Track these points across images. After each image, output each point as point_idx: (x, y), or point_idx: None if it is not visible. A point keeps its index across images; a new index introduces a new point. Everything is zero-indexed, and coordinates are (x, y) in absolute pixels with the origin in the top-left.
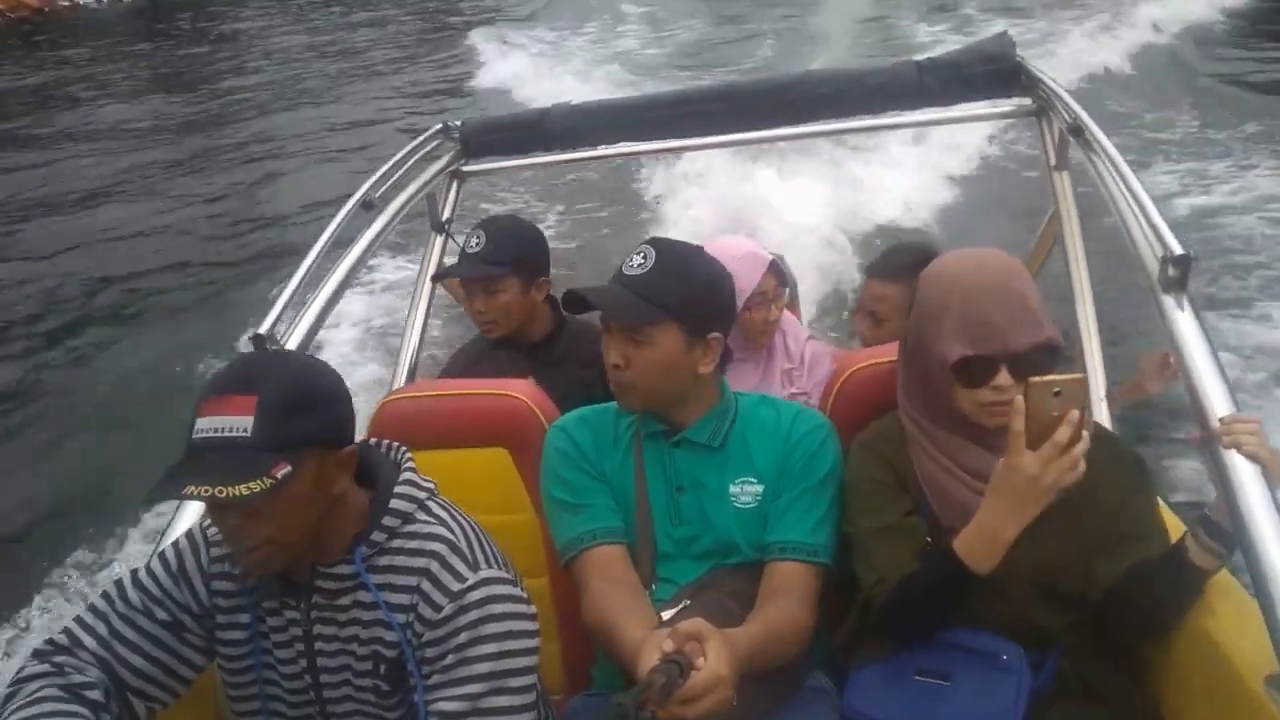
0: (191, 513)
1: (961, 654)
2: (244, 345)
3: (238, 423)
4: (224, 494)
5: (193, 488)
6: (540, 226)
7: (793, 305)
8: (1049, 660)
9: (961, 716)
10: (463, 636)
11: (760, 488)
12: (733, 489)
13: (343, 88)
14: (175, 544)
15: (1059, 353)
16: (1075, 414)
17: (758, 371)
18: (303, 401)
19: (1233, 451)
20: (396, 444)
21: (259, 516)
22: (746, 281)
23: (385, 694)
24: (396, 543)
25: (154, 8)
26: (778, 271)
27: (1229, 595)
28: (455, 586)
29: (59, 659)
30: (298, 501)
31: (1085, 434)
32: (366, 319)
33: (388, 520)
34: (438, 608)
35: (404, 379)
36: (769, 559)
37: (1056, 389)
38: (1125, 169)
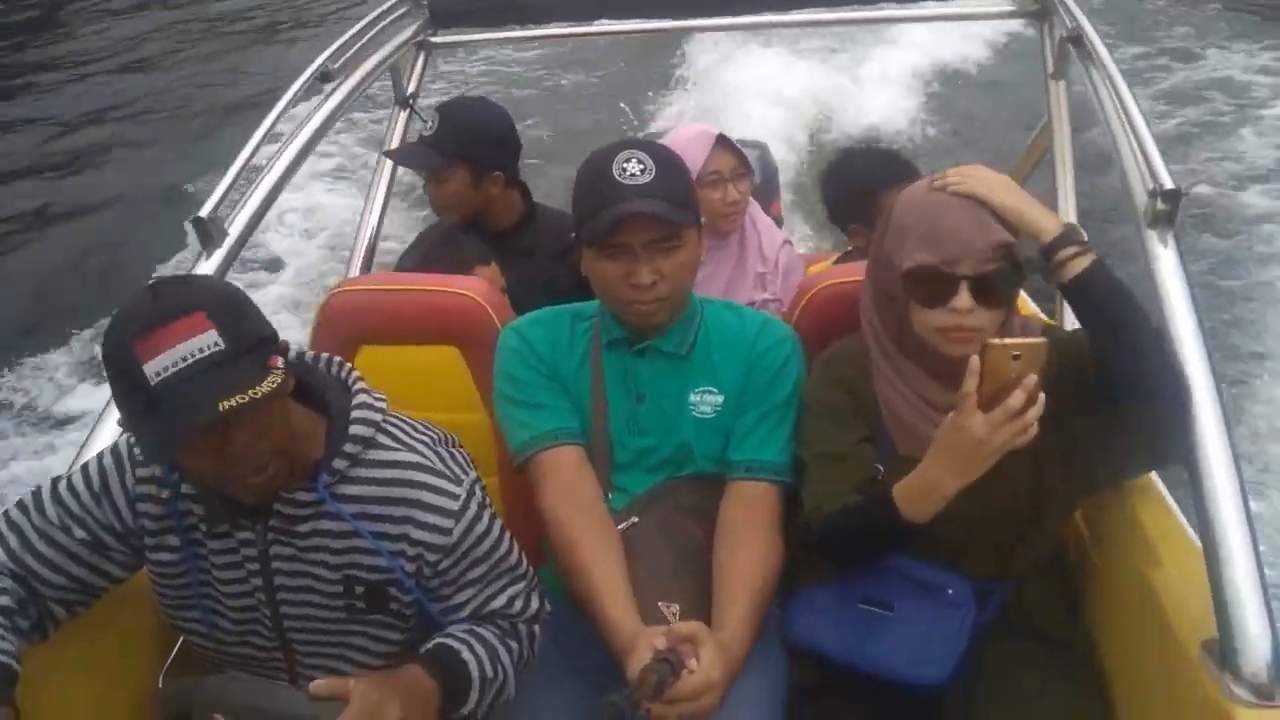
0: (111, 427)
1: (908, 585)
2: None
3: (202, 341)
4: (256, 394)
5: (223, 402)
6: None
7: (772, 193)
8: (995, 595)
9: (903, 647)
10: (483, 546)
11: (720, 398)
12: (692, 398)
13: None
14: (99, 459)
15: (1021, 270)
16: (1032, 379)
17: (728, 269)
18: (240, 304)
19: (1198, 404)
20: (339, 360)
21: (267, 424)
22: (694, 158)
23: (360, 612)
24: (362, 471)
25: None
26: (734, 150)
27: (1183, 551)
28: (453, 506)
29: None
30: (283, 401)
31: (1040, 397)
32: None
33: (349, 447)
34: (446, 532)
35: (359, 266)
36: (734, 477)
37: (1016, 353)
38: (1124, 89)
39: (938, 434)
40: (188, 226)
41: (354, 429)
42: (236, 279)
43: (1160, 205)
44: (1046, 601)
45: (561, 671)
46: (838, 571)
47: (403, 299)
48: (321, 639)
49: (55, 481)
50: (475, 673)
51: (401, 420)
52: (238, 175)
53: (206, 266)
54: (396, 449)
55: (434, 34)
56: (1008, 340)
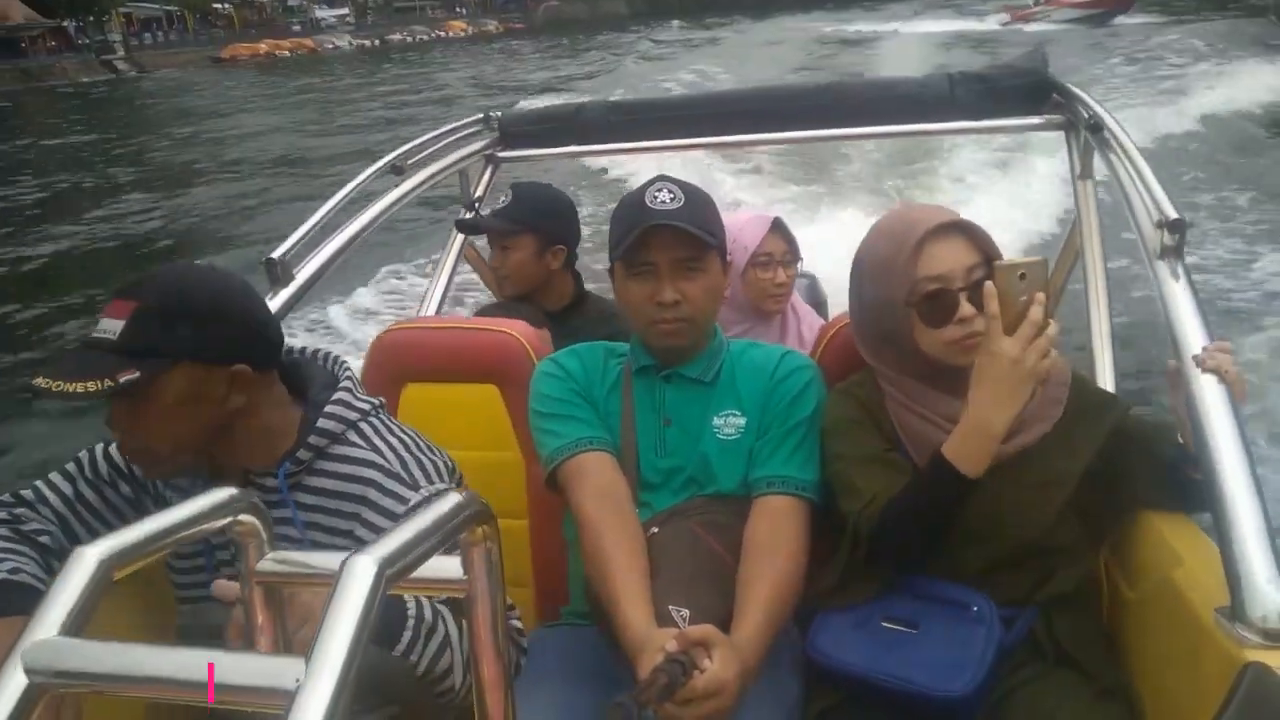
0: None
1: (932, 604)
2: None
3: (111, 325)
4: (58, 388)
5: (41, 379)
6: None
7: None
8: (1021, 618)
9: (926, 664)
10: None
11: (743, 420)
12: (716, 420)
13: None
14: None
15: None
16: (1042, 295)
17: None
18: (178, 313)
19: (1204, 388)
20: (336, 357)
21: (127, 420)
22: (751, 238)
23: None
24: (325, 464)
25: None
26: (787, 236)
27: (1199, 543)
28: (399, 510)
29: (18, 510)
30: (165, 412)
31: (1053, 321)
32: None
33: (314, 439)
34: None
35: None
36: (757, 494)
37: (1021, 271)
38: (1134, 150)
39: (973, 375)
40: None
41: (322, 423)
42: None
43: (1167, 238)
44: (1075, 628)
45: (568, 680)
46: (872, 587)
47: (446, 337)
48: None
49: (107, 442)
50: (412, 611)
51: (385, 423)
52: (309, 230)
53: (273, 304)
54: (361, 447)
55: (501, 149)
56: (1013, 260)
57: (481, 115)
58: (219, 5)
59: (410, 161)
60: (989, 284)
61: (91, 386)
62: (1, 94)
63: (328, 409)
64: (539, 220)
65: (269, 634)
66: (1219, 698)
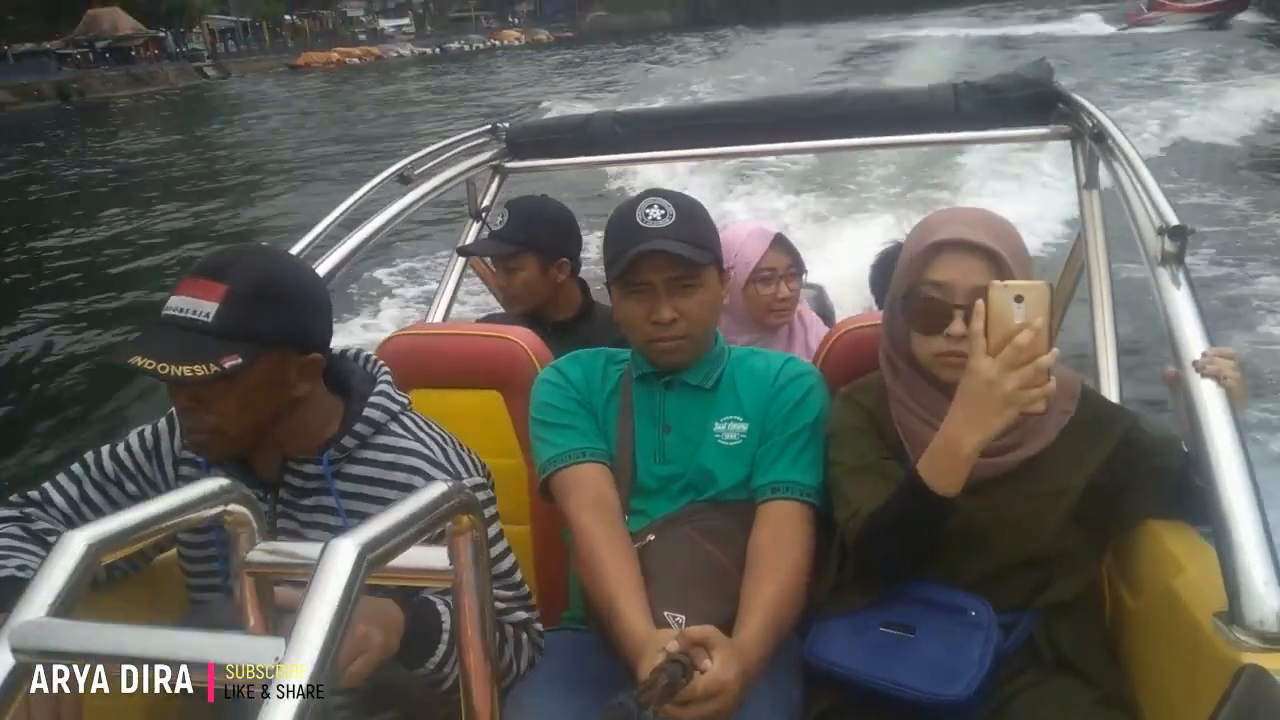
0: None
1: (930, 609)
2: None
3: (203, 307)
4: (165, 370)
5: (140, 358)
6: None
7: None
8: (1021, 624)
9: (924, 668)
10: None
11: (744, 425)
12: (717, 426)
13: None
14: (154, 425)
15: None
16: (1039, 321)
17: None
18: (272, 298)
19: (1204, 393)
20: (372, 356)
21: (206, 402)
22: (753, 253)
23: None
24: (368, 453)
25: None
26: (789, 249)
27: (1200, 550)
28: None
29: (28, 509)
30: (247, 396)
31: (1054, 350)
32: None
33: (360, 428)
34: None
35: None
36: (761, 500)
37: (1018, 294)
38: (1137, 159)
39: (956, 393)
40: None
41: (369, 412)
42: None
43: (1168, 245)
44: (1076, 634)
45: (569, 684)
46: (868, 595)
47: (450, 344)
48: None
49: (113, 444)
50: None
51: (423, 419)
52: (312, 241)
53: None
54: (405, 437)
55: (509, 160)
56: (1009, 282)
57: (489, 126)
58: (288, 17)
59: (418, 171)
60: (978, 302)
61: (199, 370)
62: (123, 98)
63: (373, 399)
64: (538, 237)
65: (260, 623)
66: (1216, 701)
